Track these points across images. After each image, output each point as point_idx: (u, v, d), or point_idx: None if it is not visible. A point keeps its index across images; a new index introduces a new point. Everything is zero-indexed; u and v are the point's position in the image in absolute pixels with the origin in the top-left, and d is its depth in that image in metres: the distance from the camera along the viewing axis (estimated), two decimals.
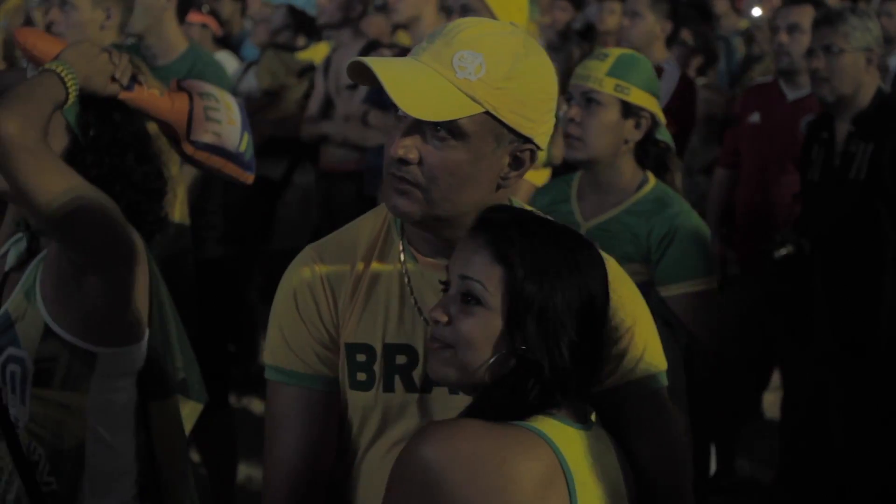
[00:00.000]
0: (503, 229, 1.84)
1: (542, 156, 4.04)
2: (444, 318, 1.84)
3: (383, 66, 1.85)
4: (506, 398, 1.81)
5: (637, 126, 3.25)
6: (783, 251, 4.29)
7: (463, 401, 1.88)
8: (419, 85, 1.85)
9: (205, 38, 6.37)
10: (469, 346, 1.83)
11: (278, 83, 6.10)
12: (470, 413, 1.83)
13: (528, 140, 1.93)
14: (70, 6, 3.87)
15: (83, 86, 2.54)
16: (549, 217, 1.94)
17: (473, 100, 1.85)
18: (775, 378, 5.47)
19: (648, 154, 3.32)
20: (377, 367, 2.00)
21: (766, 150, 4.96)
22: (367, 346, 2.00)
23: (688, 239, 3.19)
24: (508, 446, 1.77)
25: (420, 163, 1.88)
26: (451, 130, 1.86)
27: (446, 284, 1.87)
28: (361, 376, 2.01)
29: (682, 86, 5.34)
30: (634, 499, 1.94)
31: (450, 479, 1.73)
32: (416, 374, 1.98)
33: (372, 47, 5.67)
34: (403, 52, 5.51)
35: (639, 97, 3.23)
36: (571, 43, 7.09)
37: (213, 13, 6.67)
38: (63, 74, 2.49)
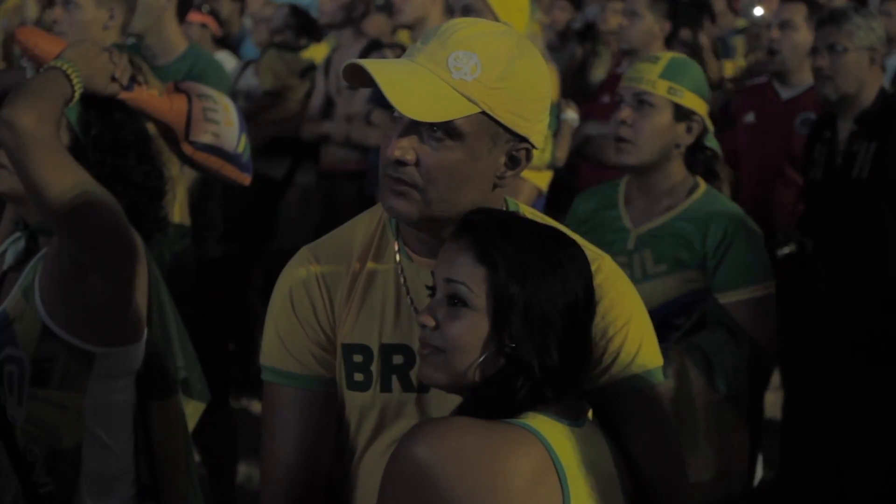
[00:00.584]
0: (484, 230, 1.85)
1: (545, 157, 4.03)
2: (432, 323, 1.85)
3: (379, 68, 1.85)
4: (496, 396, 1.82)
5: (688, 130, 3.22)
6: (785, 250, 4.28)
7: (460, 400, 1.88)
8: (415, 86, 1.85)
9: (204, 37, 6.36)
10: (458, 349, 1.84)
11: (281, 83, 6.09)
12: (461, 412, 1.83)
13: (523, 139, 1.92)
14: (74, 5, 3.87)
15: (84, 85, 2.53)
16: (531, 217, 1.95)
17: (469, 100, 1.85)
18: (775, 378, 5.46)
19: (697, 161, 3.29)
20: (374, 368, 2.00)
21: (763, 149, 4.95)
22: (364, 346, 2.00)
23: (745, 244, 3.16)
24: (499, 443, 1.78)
25: (417, 164, 1.88)
26: (448, 131, 1.86)
27: (433, 289, 1.88)
28: (358, 377, 2.00)
29: None
30: (631, 496, 1.94)
31: (441, 476, 1.74)
32: (413, 374, 1.98)
33: (373, 47, 5.66)
34: (405, 51, 5.49)
35: (691, 100, 3.21)
36: (572, 43, 7.09)
37: (213, 13, 6.66)
38: (69, 72, 2.49)
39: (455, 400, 1.89)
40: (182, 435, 2.78)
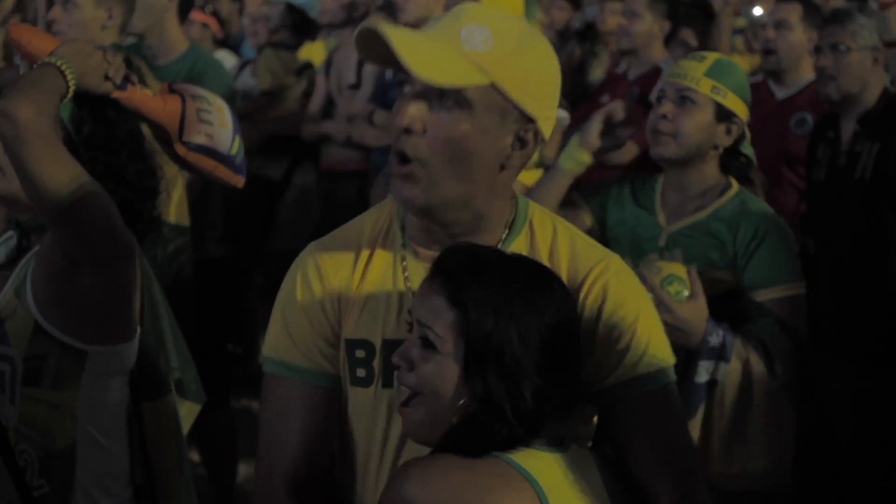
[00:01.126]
0: (457, 273, 1.83)
1: (534, 157, 4.03)
2: (404, 364, 1.85)
3: (393, 31, 1.84)
4: (472, 438, 1.81)
5: (728, 132, 3.23)
6: None
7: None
8: (428, 51, 1.84)
9: (205, 37, 6.36)
10: (432, 392, 1.83)
11: (278, 82, 6.08)
12: (443, 447, 1.82)
13: (531, 120, 1.91)
14: (72, 5, 3.87)
15: (78, 82, 2.52)
16: (511, 253, 1.91)
17: (481, 70, 1.85)
18: None
19: (732, 166, 3.29)
20: (376, 364, 1.98)
21: (759, 149, 4.94)
22: (367, 341, 1.99)
23: (776, 243, 3.15)
24: (484, 483, 1.78)
25: (424, 134, 1.87)
26: (458, 100, 1.85)
27: (411, 326, 1.88)
28: (361, 372, 1.99)
29: None
30: None
31: None
32: None
33: None
34: None
35: (733, 102, 3.21)
36: (571, 43, 7.08)
37: (215, 13, 6.66)
38: (62, 68, 2.48)
39: None
40: (175, 435, 2.77)
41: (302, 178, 5.94)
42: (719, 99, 3.19)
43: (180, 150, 2.81)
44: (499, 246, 1.97)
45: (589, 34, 6.96)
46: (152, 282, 2.75)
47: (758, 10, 7.31)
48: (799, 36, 4.92)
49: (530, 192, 3.35)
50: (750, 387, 3.04)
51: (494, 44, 1.86)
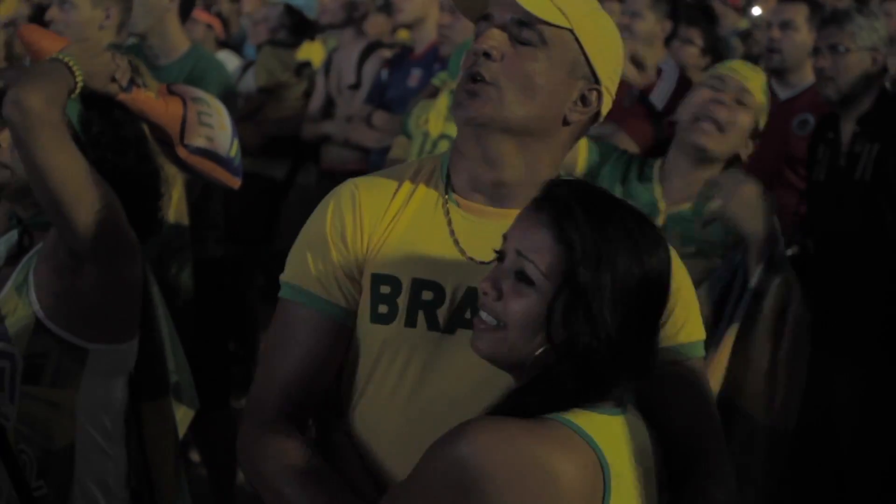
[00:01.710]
0: (567, 207, 1.76)
1: None
2: (494, 293, 1.78)
3: None
4: (544, 392, 1.74)
5: (752, 138, 3.32)
6: (788, 251, 4.28)
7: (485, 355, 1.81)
8: None
9: (208, 38, 6.36)
10: (519, 328, 1.76)
11: (275, 81, 6.08)
12: (509, 402, 1.75)
13: (597, 82, 1.98)
14: (70, 5, 3.87)
15: (85, 82, 2.53)
16: (619, 198, 1.87)
17: (565, 15, 1.93)
18: None
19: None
20: (401, 301, 1.96)
21: (760, 149, 4.94)
22: (394, 277, 1.97)
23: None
24: (550, 448, 1.70)
25: (501, 60, 1.93)
26: (539, 35, 1.93)
27: (500, 254, 1.81)
28: (383, 308, 1.97)
29: (682, 86, 5.32)
30: (662, 478, 1.88)
31: (490, 480, 1.66)
32: (441, 313, 1.95)
33: (373, 48, 5.66)
34: (405, 49, 5.51)
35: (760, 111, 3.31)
36: None
37: (219, 15, 6.67)
38: (70, 65, 2.49)
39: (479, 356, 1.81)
40: (172, 437, 2.77)
41: (304, 179, 5.94)
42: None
43: (181, 152, 2.82)
44: None
45: None
46: (151, 284, 2.76)
47: (756, 10, 7.31)
48: (804, 36, 4.91)
49: None
50: (793, 319, 3.05)
51: (575, 1, 1.96)
